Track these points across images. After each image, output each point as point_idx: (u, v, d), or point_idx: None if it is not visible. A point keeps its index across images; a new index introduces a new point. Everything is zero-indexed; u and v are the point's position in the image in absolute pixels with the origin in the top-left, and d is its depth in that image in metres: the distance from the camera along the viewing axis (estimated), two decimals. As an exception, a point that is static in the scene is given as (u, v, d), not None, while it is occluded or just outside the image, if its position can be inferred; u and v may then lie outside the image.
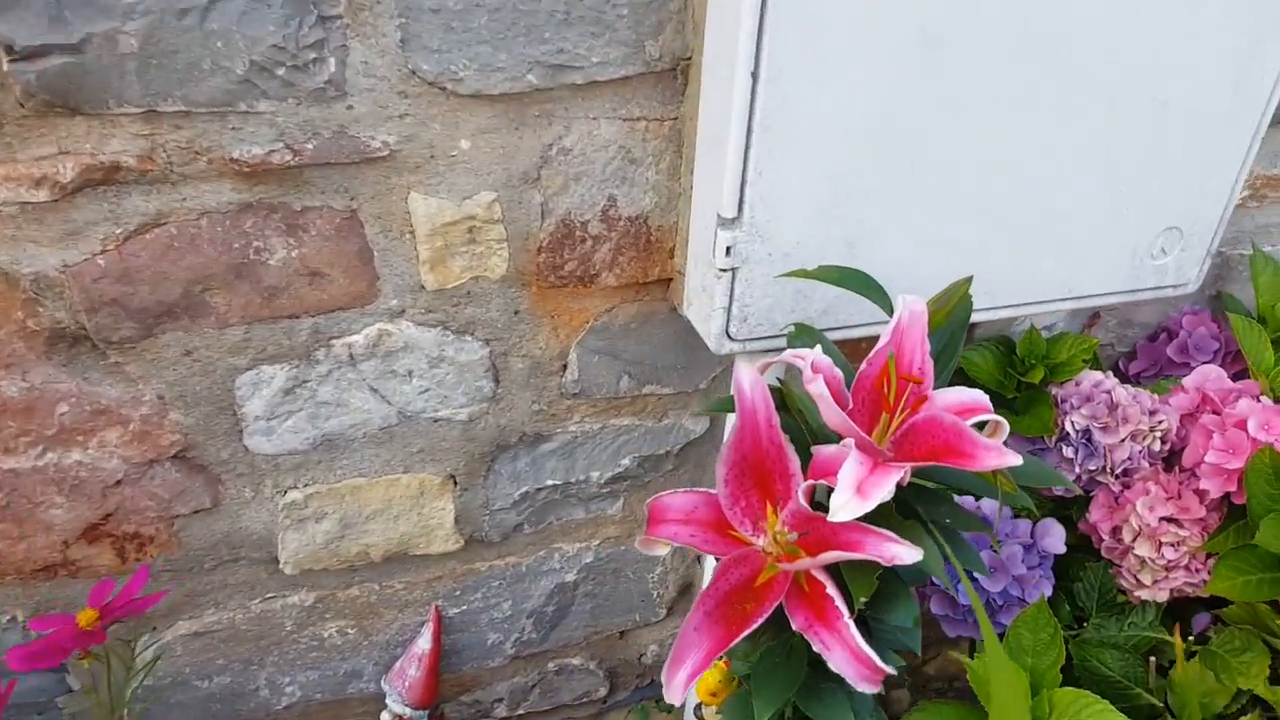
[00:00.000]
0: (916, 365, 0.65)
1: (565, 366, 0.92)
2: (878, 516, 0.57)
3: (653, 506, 0.69)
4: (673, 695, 0.61)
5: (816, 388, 0.61)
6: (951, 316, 0.68)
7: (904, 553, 0.55)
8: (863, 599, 0.57)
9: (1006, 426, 0.58)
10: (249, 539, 0.93)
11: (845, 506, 0.55)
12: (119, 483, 0.85)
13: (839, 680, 0.66)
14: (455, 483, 0.96)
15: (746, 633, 0.61)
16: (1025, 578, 0.84)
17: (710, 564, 1.04)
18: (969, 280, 0.68)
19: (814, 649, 0.60)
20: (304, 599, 0.99)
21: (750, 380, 0.65)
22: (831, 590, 0.59)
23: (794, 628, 0.61)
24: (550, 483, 0.99)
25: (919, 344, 0.66)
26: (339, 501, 0.92)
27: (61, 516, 0.85)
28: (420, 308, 0.83)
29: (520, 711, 1.17)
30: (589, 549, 1.07)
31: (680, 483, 1.07)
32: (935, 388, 0.63)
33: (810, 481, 0.62)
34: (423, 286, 0.82)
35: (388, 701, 1.04)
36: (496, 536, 1.02)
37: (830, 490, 0.59)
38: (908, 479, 0.57)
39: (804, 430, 0.69)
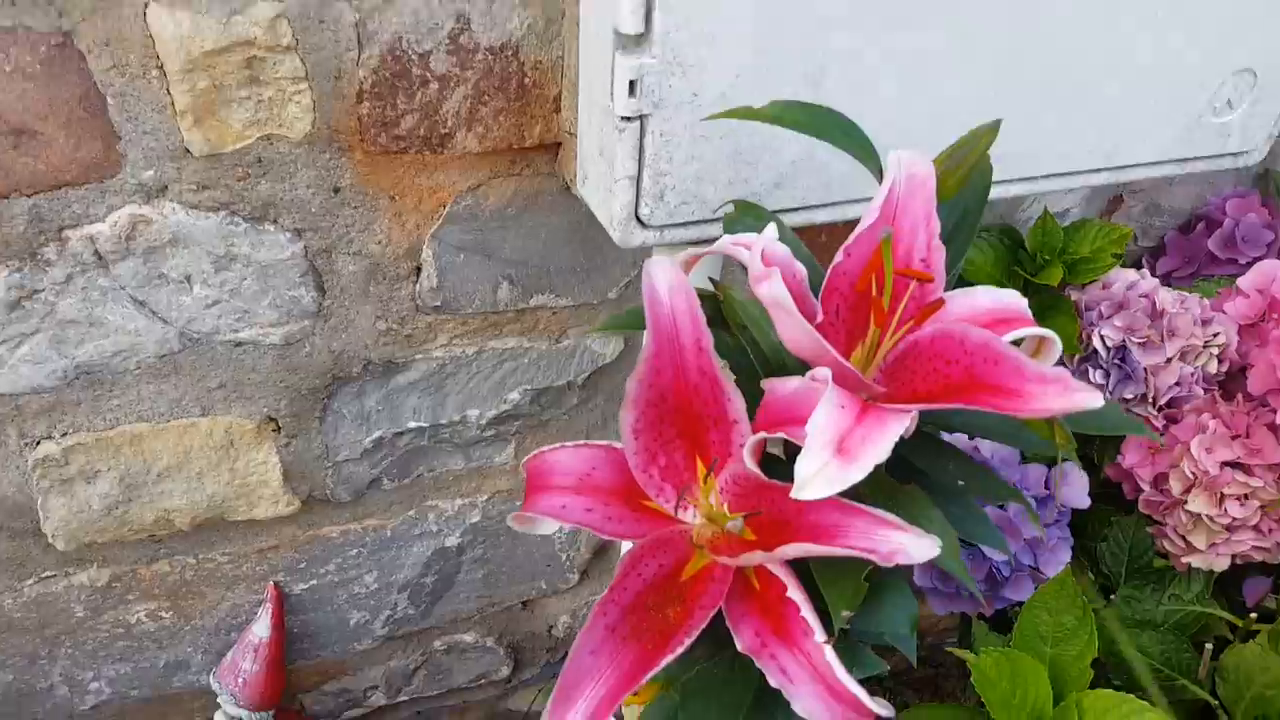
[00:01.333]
0: (919, 255, 0.42)
1: (419, 270, 0.67)
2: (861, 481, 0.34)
3: (532, 467, 0.46)
4: None
5: (770, 289, 0.37)
6: (966, 185, 0.44)
7: (912, 546, 0.33)
8: (847, 613, 0.35)
9: (1057, 344, 0.35)
10: (1, 506, 0.69)
11: (819, 476, 0.33)
12: None
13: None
14: (278, 428, 0.72)
15: (669, 657, 0.40)
16: (1039, 541, 0.63)
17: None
18: (993, 130, 0.45)
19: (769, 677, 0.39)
20: (95, 578, 0.75)
21: (669, 282, 0.42)
22: (796, 595, 0.37)
23: (741, 648, 0.40)
24: (413, 425, 0.75)
25: (923, 223, 0.43)
26: (114, 455, 0.68)
27: None
28: (189, 182, 0.58)
29: (403, 698, 0.96)
30: (474, 506, 0.84)
31: (589, 421, 0.83)
32: (944, 289, 0.40)
33: (760, 435, 0.39)
34: (188, 151, 0.57)
35: (220, 702, 0.82)
36: (346, 495, 0.78)
37: (792, 448, 0.36)
38: (913, 429, 0.35)
39: (751, 357, 0.46)
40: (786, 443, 0.41)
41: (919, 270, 0.41)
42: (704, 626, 0.40)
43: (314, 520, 0.79)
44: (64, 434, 0.66)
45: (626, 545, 0.83)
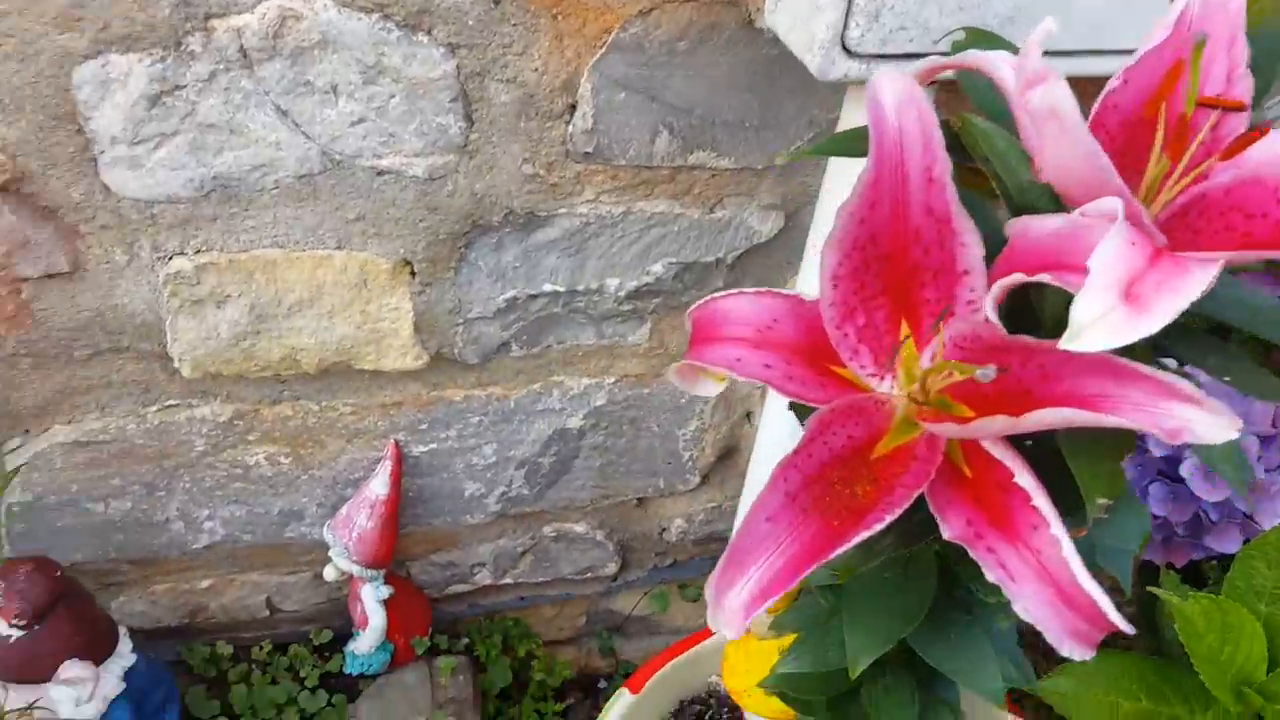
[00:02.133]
0: (1216, 87, 0.33)
1: (574, 107, 0.61)
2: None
3: (700, 316, 0.40)
4: (726, 622, 0.34)
5: (1049, 94, 0.29)
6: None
7: (1203, 423, 0.25)
8: (1104, 501, 0.28)
9: None
10: (130, 322, 0.67)
11: (1101, 323, 0.26)
12: (-80, 219, 0.59)
13: (976, 609, 0.41)
14: (413, 273, 0.67)
15: (862, 534, 0.34)
16: (1261, 485, 0.53)
17: (774, 423, 0.75)
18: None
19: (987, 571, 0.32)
20: (217, 412, 0.74)
21: (898, 95, 0.34)
22: (1025, 480, 0.30)
23: (948, 536, 0.33)
24: (549, 288, 0.70)
25: (1224, 48, 0.34)
26: (246, 279, 0.65)
27: None
28: (344, -24, 0.53)
29: (508, 580, 0.93)
30: (600, 388, 0.78)
31: (733, 308, 0.76)
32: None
33: (1013, 278, 0.31)
34: (345, -62, 0.52)
35: (332, 554, 0.80)
36: (474, 357, 0.74)
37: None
38: (1212, 285, 0.27)
39: (989, 197, 0.37)
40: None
41: (1229, 99, 0.32)
42: (903, 509, 0.34)
43: (439, 380, 0.75)
44: (197, 251, 0.64)
45: (755, 451, 0.77)
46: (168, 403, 0.73)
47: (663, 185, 0.66)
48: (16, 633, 0.65)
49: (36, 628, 0.66)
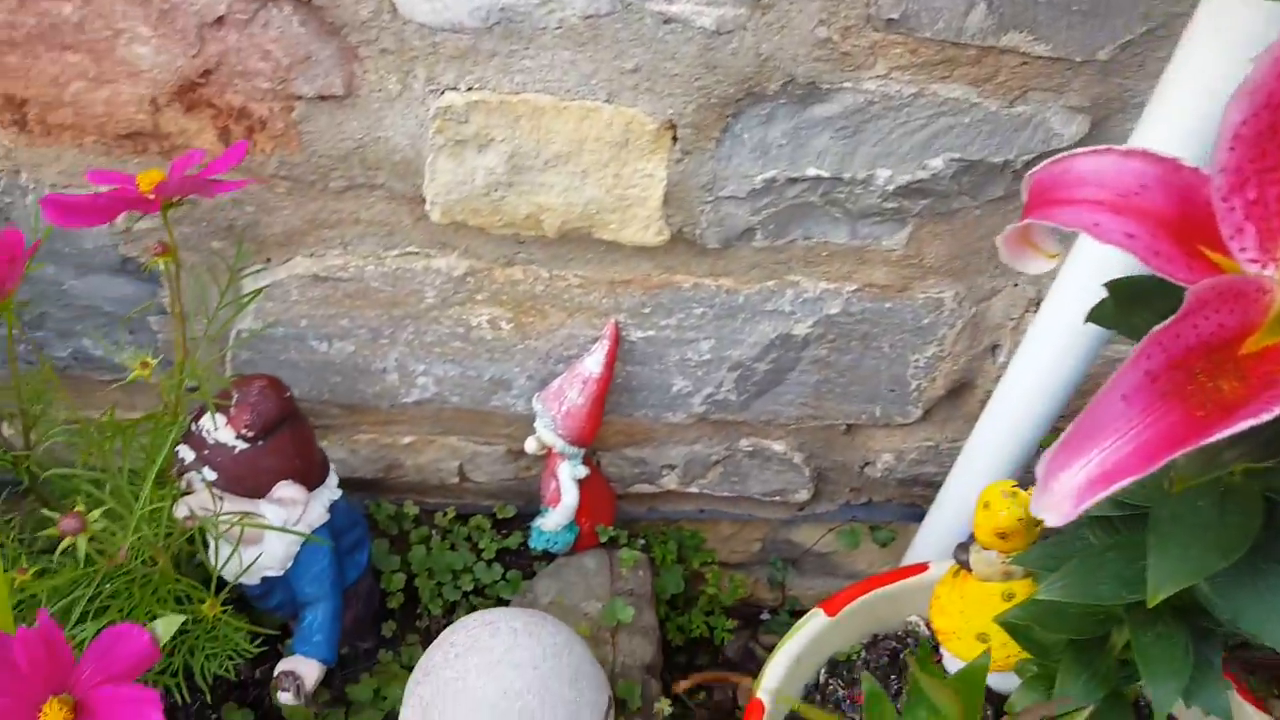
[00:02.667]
0: None
1: (887, -33, 0.56)
2: None
3: (1045, 177, 0.36)
4: (1054, 506, 0.31)
5: None
6: None
7: None
8: None
9: None
10: (390, 157, 0.67)
11: None
12: (220, 21, 0.60)
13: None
14: (675, 138, 0.65)
15: (1229, 430, 0.29)
16: None
17: (1028, 365, 0.69)
18: None
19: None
20: (452, 266, 0.74)
21: None
22: None
23: None
24: (812, 173, 0.66)
25: None
26: (512, 124, 0.64)
27: (149, 59, 0.62)
28: None
29: (693, 489, 0.91)
30: (837, 295, 0.74)
31: (996, 226, 0.71)
32: None
33: None
34: None
35: (537, 426, 0.80)
36: (715, 241, 0.71)
37: None
38: None
39: None
40: None
41: None
42: (1273, 414, 0.29)
43: (672, 263, 0.73)
44: (469, 88, 0.63)
45: (997, 392, 0.71)
46: (408, 249, 0.73)
47: (964, 68, 0.61)
48: (242, 444, 0.67)
49: (260, 442, 0.68)
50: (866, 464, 0.89)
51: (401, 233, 0.72)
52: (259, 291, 0.72)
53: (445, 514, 0.93)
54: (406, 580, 0.88)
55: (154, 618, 0.62)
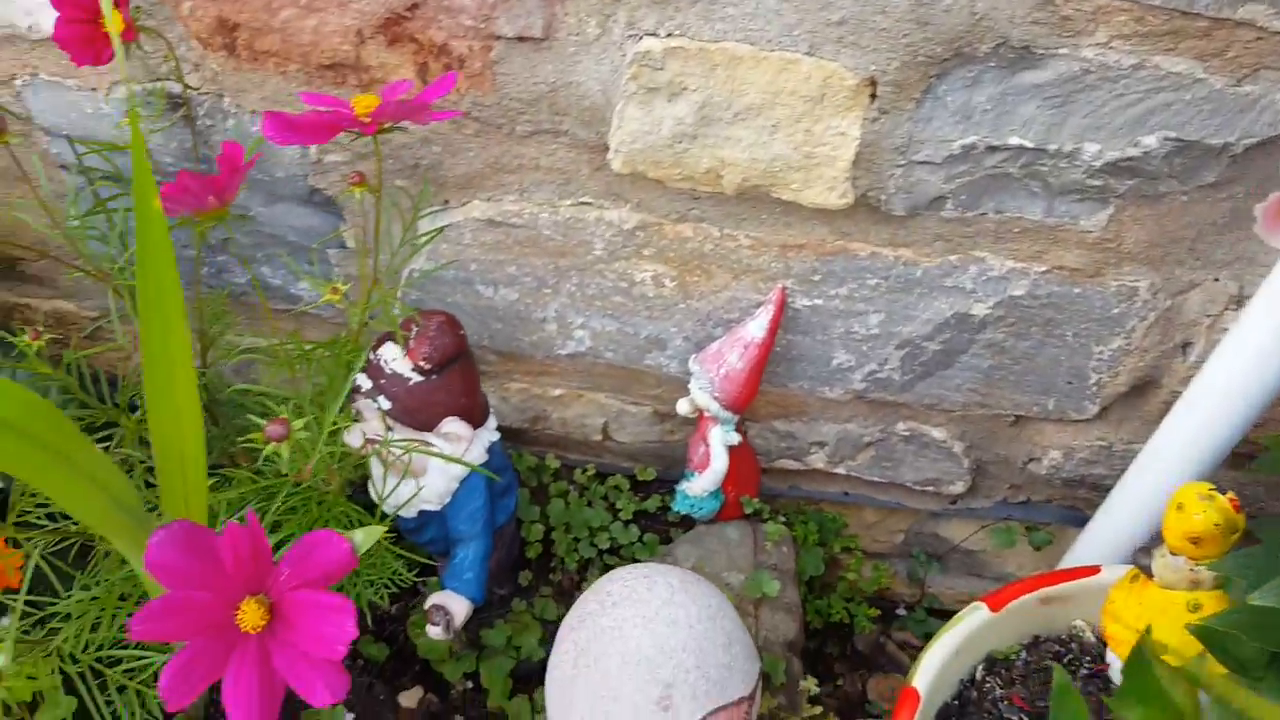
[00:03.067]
0: None
1: (1129, -79, 0.54)
2: None
3: None
4: None
5: None
6: None
7: None
8: None
9: None
10: (579, 103, 0.68)
11: None
12: (436, -45, 0.62)
13: None
14: (873, 95, 0.63)
15: None
16: None
17: (1227, 366, 0.66)
18: None
19: None
20: (623, 219, 0.74)
21: None
22: None
23: None
24: (1014, 142, 0.64)
25: None
26: (707, 73, 0.64)
27: (362, -10, 0.64)
28: None
29: (840, 470, 0.89)
30: (1024, 276, 0.72)
31: (1206, 215, 0.67)
32: None
33: None
34: None
35: (692, 387, 0.80)
36: (901, 208, 0.69)
37: None
38: None
39: None
40: None
41: None
42: None
43: (850, 230, 0.72)
44: (669, 34, 0.63)
45: (1188, 394, 0.67)
46: (582, 199, 0.74)
47: (1192, 40, 0.58)
48: (417, 377, 0.70)
49: (434, 376, 0.70)
50: (1031, 460, 0.85)
51: (578, 182, 0.74)
52: (439, 231, 0.74)
53: (585, 470, 0.94)
54: (544, 532, 0.90)
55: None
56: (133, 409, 0.74)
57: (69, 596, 0.63)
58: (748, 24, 0.61)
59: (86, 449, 0.44)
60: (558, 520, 0.91)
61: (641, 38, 0.63)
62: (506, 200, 0.76)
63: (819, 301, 0.76)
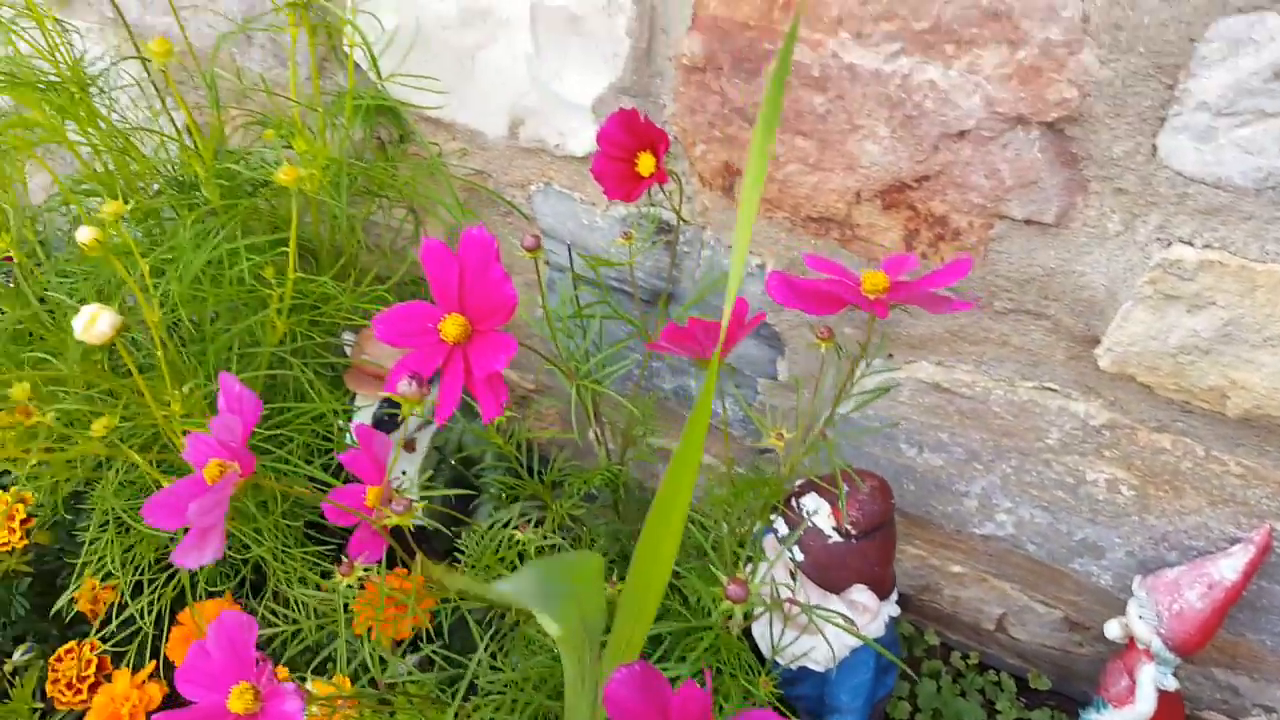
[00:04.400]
0: None
1: None
2: None
3: None
4: None
5: None
6: None
7: None
8: None
9: None
10: (1074, 293, 0.66)
11: None
12: (962, 135, 0.63)
13: None
14: None
15: None
16: None
17: None
18: None
19: None
20: (1091, 414, 0.71)
21: None
22: None
23: None
24: None
25: None
26: (1244, 293, 0.59)
27: (873, 156, 0.67)
28: None
29: (1291, 747, 0.78)
30: None
31: None
32: None
33: None
34: None
35: (1132, 613, 0.74)
36: None
37: None
38: None
39: None
40: None
41: None
42: None
43: (1385, 486, 0.63)
44: (1206, 245, 0.60)
45: None
46: (1047, 384, 0.72)
47: None
48: (837, 537, 0.71)
49: (855, 540, 0.70)
50: None
51: (1047, 366, 0.71)
52: (884, 390, 0.75)
53: (966, 657, 0.90)
54: (910, 712, 0.87)
55: (719, 676, 0.67)
56: (554, 486, 0.82)
57: (476, 659, 0.70)
58: (1312, 250, 0.57)
59: (599, 583, 0.49)
60: (926, 703, 0.88)
61: (1172, 244, 0.60)
62: (959, 369, 0.75)
63: (1315, 554, 0.67)
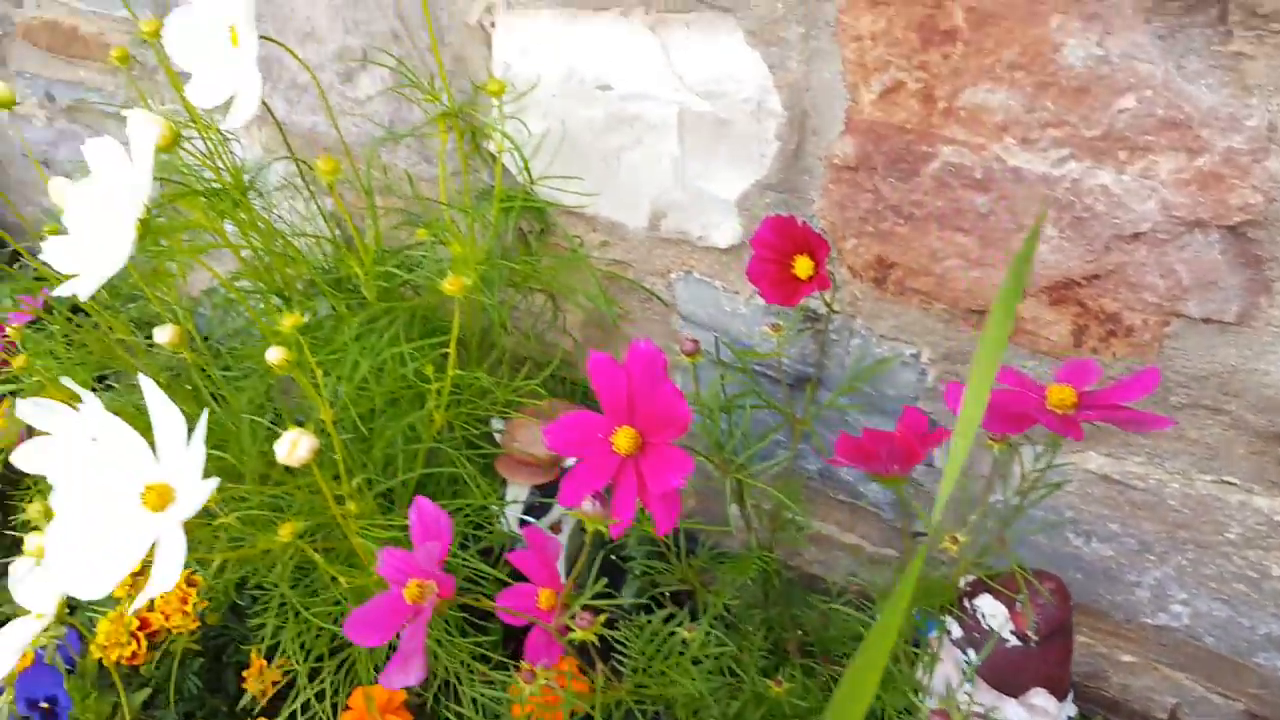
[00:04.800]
0: None
1: None
2: None
3: None
4: None
5: None
6: None
7: None
8: None
9: None
10: (1257, 390, 0.65)
11: None
12: (1136, 237, 0.63)
13: None
14: None
15: None
16: None
17: None
18: None
19: None
20: (1277, 509, 0.69)
21: None
22: None
23: None
24: None
25: None
26: None
27: (1039, 254, 0.67)
28: None
29: None
30: None
31: None
32: None
33: None
34: None
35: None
36: None
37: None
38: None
39: None
40: None
41: None
42: None
43: None
44: None
45: None
46: (1226, 478, 0.70)
47: None
48: (1015, 641, 0.70)
49: (1032, 645, 0.70)
50: None
51: (1226, 460, 0.69)
52: (1058, 485, 0.74)
53: (1138, 746, 0.87)
54: (1081, 804, 0.85)
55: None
56: (700, 570, 0.83)
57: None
58: None
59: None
60: (1097, 793, 0.86)
61: (1373, 347, 0.59)
62: (1131, 461, 0.74)
63: None
